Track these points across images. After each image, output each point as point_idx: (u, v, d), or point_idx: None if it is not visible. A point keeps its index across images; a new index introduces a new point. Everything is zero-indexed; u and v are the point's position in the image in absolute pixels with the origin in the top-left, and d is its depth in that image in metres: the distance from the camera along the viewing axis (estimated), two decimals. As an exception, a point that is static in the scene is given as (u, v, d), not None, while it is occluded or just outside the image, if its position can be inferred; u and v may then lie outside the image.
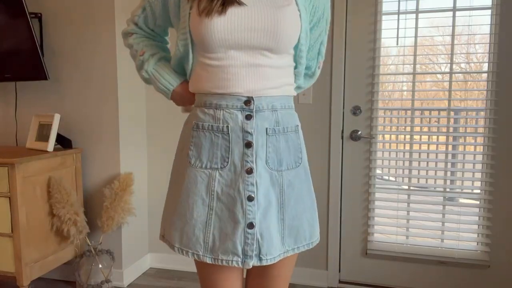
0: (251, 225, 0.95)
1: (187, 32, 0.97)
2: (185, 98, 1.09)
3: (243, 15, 0.92)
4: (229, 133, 0.96)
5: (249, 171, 0.95)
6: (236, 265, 0.95)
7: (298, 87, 1.13)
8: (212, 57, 0.96)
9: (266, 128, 0.97)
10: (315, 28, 1.08)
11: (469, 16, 2.11)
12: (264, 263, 0.96)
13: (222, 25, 0.92)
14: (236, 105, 0.96)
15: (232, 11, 0.92)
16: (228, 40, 0.93)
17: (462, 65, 2.26)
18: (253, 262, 0.95)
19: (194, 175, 0.98)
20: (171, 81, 1.08)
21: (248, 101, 0.96)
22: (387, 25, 2.24)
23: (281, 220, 0.99)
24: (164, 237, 1.05)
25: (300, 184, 1.03)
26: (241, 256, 0.95)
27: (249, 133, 0.96)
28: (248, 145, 0.96)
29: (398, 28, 2.21)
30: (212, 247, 0.96)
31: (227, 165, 0.96)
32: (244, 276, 1.12)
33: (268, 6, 0.94)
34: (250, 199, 0.95)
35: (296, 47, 1.02)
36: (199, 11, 0.93)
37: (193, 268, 2.62)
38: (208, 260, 0.96)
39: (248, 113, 0.96)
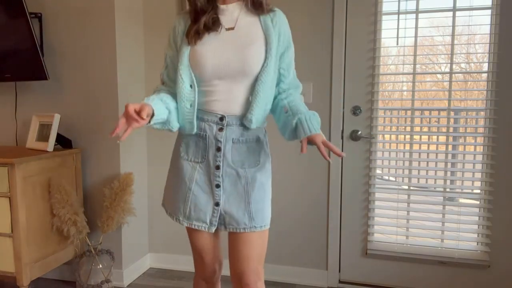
0: (217, 204, 1.33)
1: (190, 69, 1.32)
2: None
3: (224, 55, 1.29)
4: (206, 139, 1.33)
5: (217, 168, 1.33)
6: (203, 229, 1.35)
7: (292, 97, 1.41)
8: (202, 85, 1.32)
9: (233, 138, 1.33)
10: (286, 54, 1.37)
11: (469, 16, 2.12)
12: (229, 230, 1.34)
13: (211, 65, 1.29)
14: (213, 120, 1.32)
15: (216, 53, 1.29)
16: (213, 73, 1.29)
17: (462, 65, 2.26)
18: (219, 229, 1.35)
19: (181, 165, 1.37)
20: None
21: (222, 118, 1.32)
22: (387, 25, 2.24)
23: (248, 204, 1.33)
24: (164, 205, 1.46)
25: (261, 179, 1.35)
26: (208, 224, 1.34)
27: (219, 141, 1.32)
28: (218, 149, 1.32)
29: (398, 28, 2.21)
30: (189, 216, 1.35)
31: (204, 161, 1.34)
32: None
33: (239, 46, 1.29)
34: (218, 186, 1.33)
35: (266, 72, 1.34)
36: (196, 55, 1.30)
37: (192, 269, 2.62)
38: (185, 224, 1.36)
39: (220, 126, 1.32)
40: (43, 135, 2.27)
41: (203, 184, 1.34)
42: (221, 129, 1.32)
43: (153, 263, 2.71)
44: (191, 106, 1.32)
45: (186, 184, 1.35)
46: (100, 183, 2.39)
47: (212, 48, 1.29)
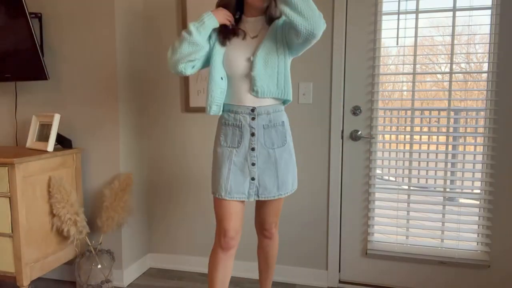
0: (253, 179, 1.68)
1: (222, 65, 1.69)
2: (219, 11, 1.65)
3: (249, 57, 1.65)
4: (242, 128, 1.67)
5: (253, 149, 1.67)
6: (244, 199, 1.69)
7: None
8: (233, 81, 1.67)
9: (263, 124, 1.68)
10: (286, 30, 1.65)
11: (469, 16, 2.11)
12: (261, 198, 1.70)
13: (239, 65, 1.65)
14: (246, 112, 1.67)
15: (244, 55, 1.66)
16: (241, 71, 1.64)
17: (462, 65, 2.25)
18: (254, 198, 1.69)
19: (222, 151, 1.70)
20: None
21: (253, 109, 1.66)
22: (387, 25, 2.24)
23: (276, 178, 1.70)
24: (212, 189, 1.75)
25: (287, 157, 1.72)
26: (246, 195, 1.68)
27: (253, 127, 1.67)
28: (253, 134, 1.67)
29: (398, 28, 2.21)
30: (230, 191, 1.67)
31: (240, 145, 1.67)
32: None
33: (262, 50, 1.62)
34: (253, 164, 1.67)
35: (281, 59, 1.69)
36: (228, 56, 1.67)
37: (192, 268, 2.62)
38: (227, 198, 1.67)
39: (253, 116, 1.67)
40: (43, 135, 2.27)
41: (240, 164, 1.67)
42: (253, 119, 1.66)
43: (153, 263, 2.71)
44: (220, 93, 1.66)
45: (226, 166, 1.67)
46: (100, 183, 2.39)
47: (240, 52, 1.65)
